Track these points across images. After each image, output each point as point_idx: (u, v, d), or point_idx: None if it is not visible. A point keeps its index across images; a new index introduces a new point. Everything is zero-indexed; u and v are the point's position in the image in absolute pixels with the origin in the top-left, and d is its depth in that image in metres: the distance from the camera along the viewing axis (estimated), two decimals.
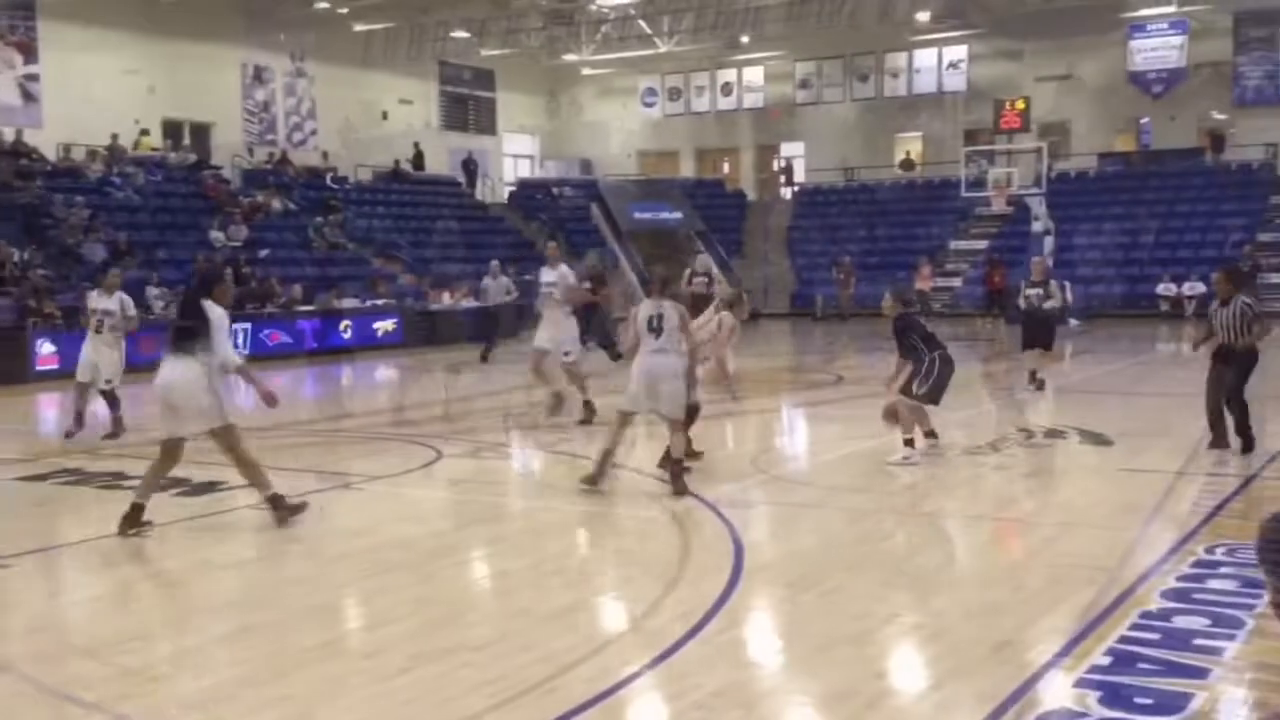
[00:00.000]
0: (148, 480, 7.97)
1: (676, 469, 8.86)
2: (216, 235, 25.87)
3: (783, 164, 40.96)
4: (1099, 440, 11.14)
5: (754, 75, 39.97)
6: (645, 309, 9.20)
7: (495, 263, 22.67)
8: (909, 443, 10.02)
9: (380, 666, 5.26)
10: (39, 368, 18.31)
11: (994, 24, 35.37)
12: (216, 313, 7.84)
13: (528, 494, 9.84)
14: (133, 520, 7.73)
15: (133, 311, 12.71)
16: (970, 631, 5.62)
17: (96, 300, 12.48)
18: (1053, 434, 11.65)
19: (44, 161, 26.05)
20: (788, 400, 16.31)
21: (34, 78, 27.53)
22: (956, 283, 32.81)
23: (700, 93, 40.72)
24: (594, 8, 33.95)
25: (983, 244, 33.73)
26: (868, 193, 38.05)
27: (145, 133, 29.33)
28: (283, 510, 7.98)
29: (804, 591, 6.40)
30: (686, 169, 42.16)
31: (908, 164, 38.54)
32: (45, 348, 18.53)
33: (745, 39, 37.45)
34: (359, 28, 33.22)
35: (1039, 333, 14.74)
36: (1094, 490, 9.19)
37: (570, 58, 39.30)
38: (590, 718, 4.68)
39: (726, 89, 40.36)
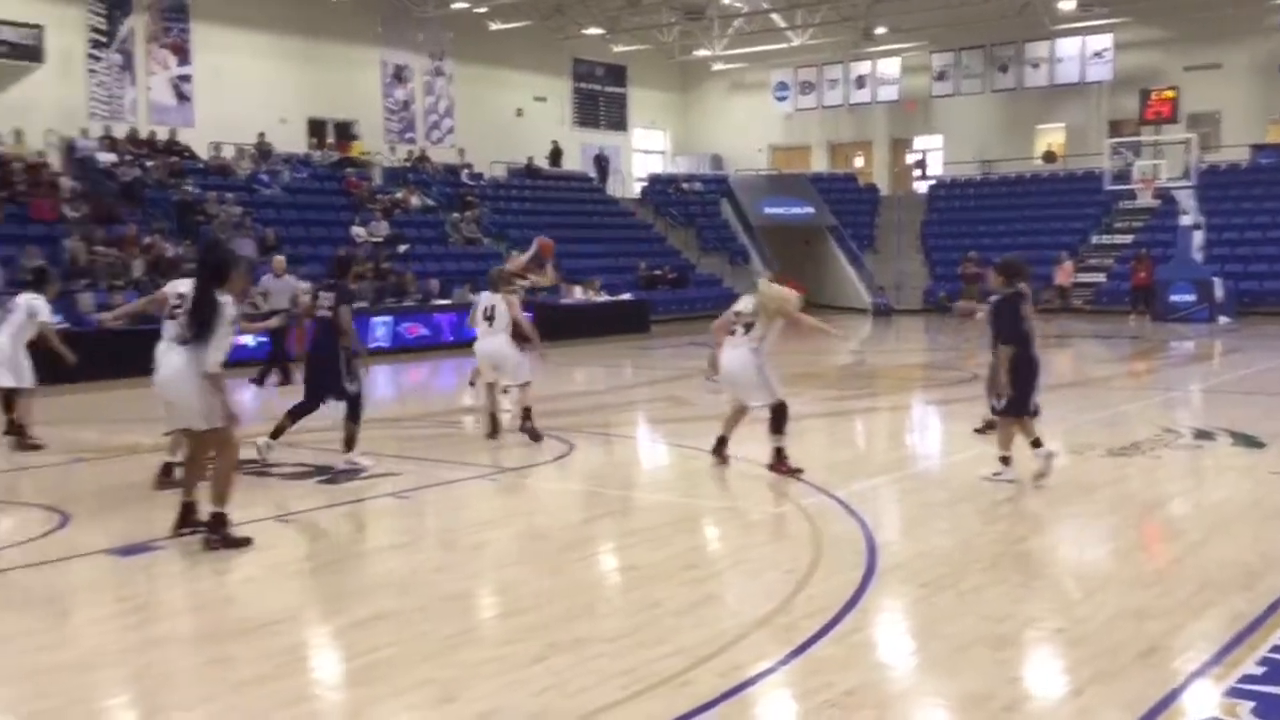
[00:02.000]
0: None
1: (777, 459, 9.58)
2: (358, 231, 26.61)
3: (917, 157, 40.27)
4: (1251, 443, 10.71)
5: (889, 67, 39.39)
6: (738, 304, 9.73)
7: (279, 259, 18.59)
8: (1005, 460, 9.03)
9: (516, 654, 5.36)
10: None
11: (1140, 12, 34.23)
12: (225, 305, 7.30)
13: (658, 488, 9.89)
14: (185, 520, 7.54)
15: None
16: (1114, 636, 5.47)
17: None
18: (1201, 435, 11.24)
19: (196, 160, 27.14)
20: (920, 397, 16.07)
21: (187, 78, 28.69)
22: (1100, 278, 31.86)
23: (833, 86, 40.30)
24: (726, 2, 33.87)
25: (1127, 239, 32.68)
26: (1007, 186, 37.18)
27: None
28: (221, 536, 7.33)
29: (940, 592, 6.30)
30: (818, 163, 41.79)
31: (1049, 156, 37.53)
32: None
33: (880, 30, 36.93)
34: (495, 26, 33.79)
35: None
36: (1245, 494, 8.84)
37: (702, 53, 39.31)
38: (723, 712, 4.69)
39: (860, 82, 39.86)
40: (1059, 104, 37.49)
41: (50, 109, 25.78)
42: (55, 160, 24.99)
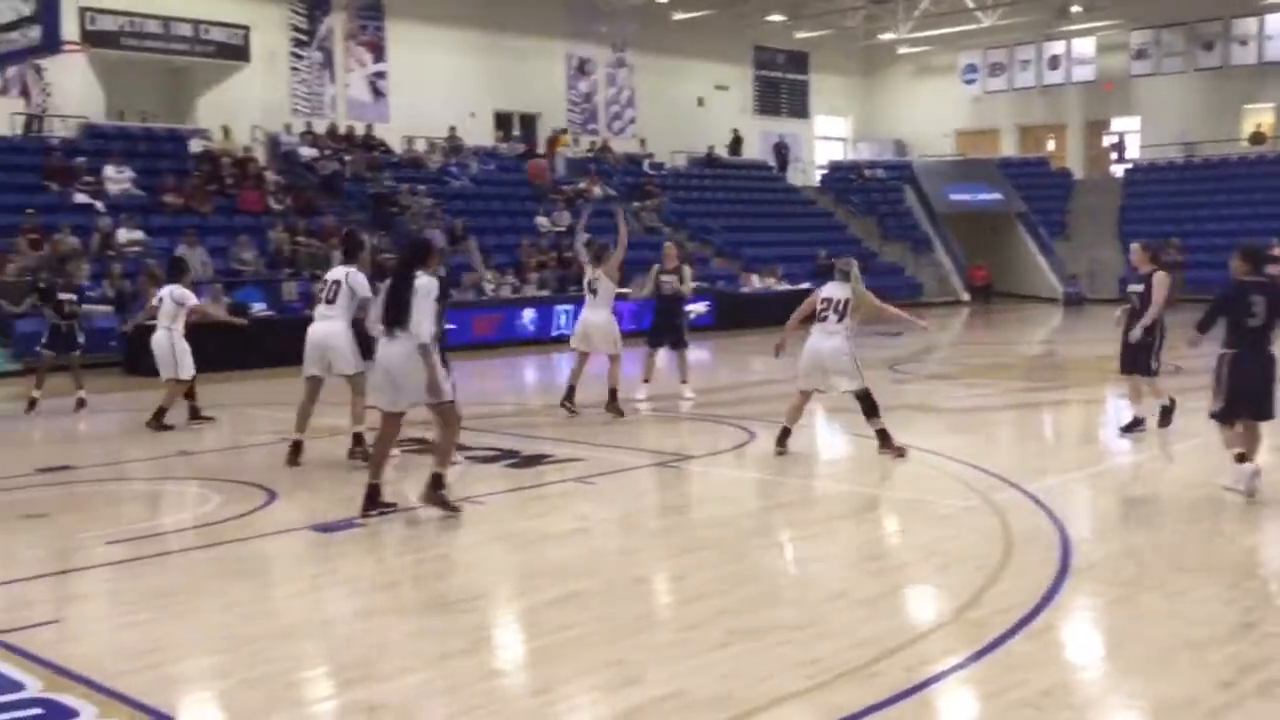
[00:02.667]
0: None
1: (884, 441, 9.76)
2: (541, 221, 27.15)
3: (1114, 140, 38.65)
4: None
5: (1084, 47, 37.91)
6: (825, 290, 9.85)
7: None
8: (1241, 458, 8.11)
9: (700, 639, 5.40)
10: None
11: None
12: (422, 281, 7.74)
13: (840, 478, 9.79)
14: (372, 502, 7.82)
15: None
16: None
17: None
18: None
19: (391, 153, 28.16)
20: (1114, 390, 15.43)
21: (382, 75, 29.78)
22: None
23: (1025, 67, 39.02)
24: None
25: None
26: (1210, 169, 35.32)
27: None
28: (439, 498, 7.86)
29: (1141, 592, 6.06)
30: (1007, 147, 40.54)
31: (1257, 137, 35.52)
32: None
33: (1075, 9, 35.58)
34: (678, 16, 33.91)
35: None
36: None
37: (887, 36, 38.61)
38: (910, 706, 4.63)
39: (1054, 62, 38.48)
40: (1268, 82, 35.41)
41: (256, 106, 27.13)
42: (261, 155, 26.30)
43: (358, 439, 9.86)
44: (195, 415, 12.42)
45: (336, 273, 10.02)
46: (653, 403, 13.31)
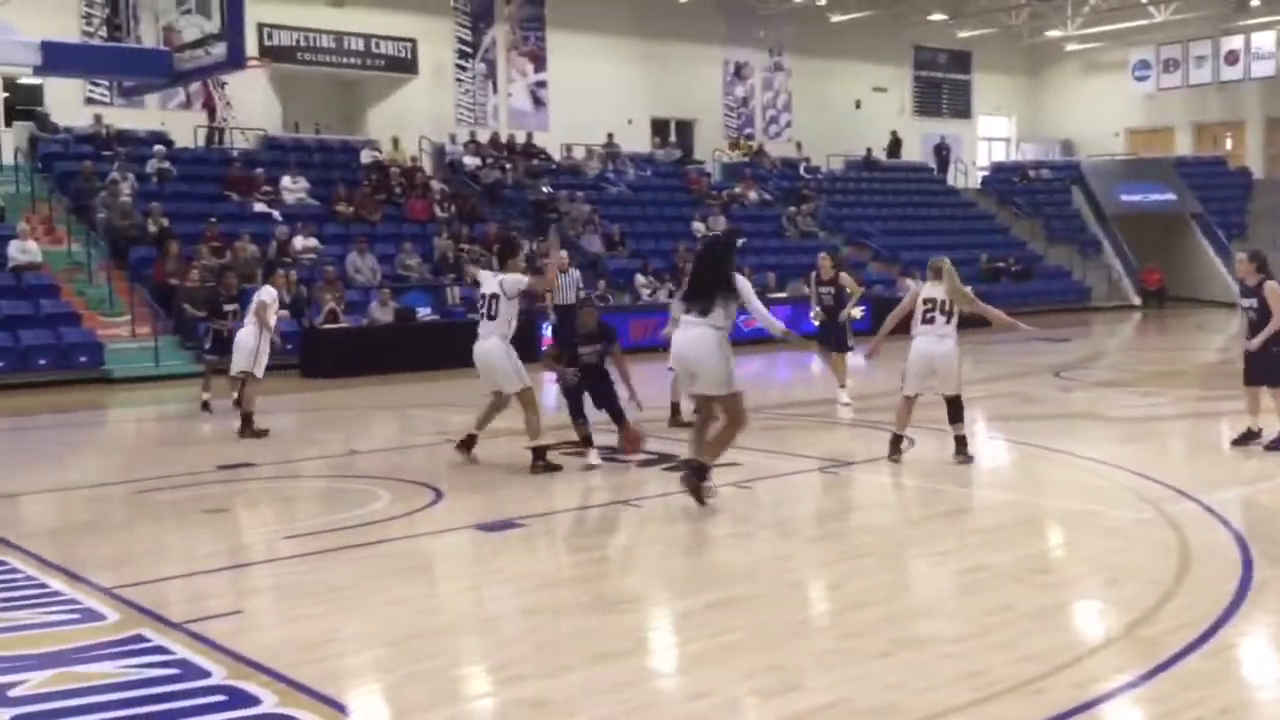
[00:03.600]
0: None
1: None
2: (697, 226, 27.22)
3: None
4: None
5: (1264, 40, 36.07)
6: (926, 290, 9.72)
7: None
8: None
9: (861, 647, 5.35)
10: (543, 348, 20.15)
11: None
12: (743, 282, 8.21)
13: (1004, 487, 9.55)
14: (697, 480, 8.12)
15: None
16: None
17: None
18: None
19: (550, 161, 28.66)
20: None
21: (543, 84, 30.33)
22: None
23: (1200, 63, 37.34)
24: None
25: None
26: None
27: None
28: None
29: None
30: (1181, 146, 38.87)
31: None
32: (547, 330, 20.34)
33: (1255, 2, 33.93)
34: (836, 18, 33.61)
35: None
36: None
37: (1054, 34, 37.48)
38: None
39: (1231, 57, 36.73)
40: None
41: (422, 117, 27.96)
42: (427, 164, 27.09)
43: (537, 454, 9.73)
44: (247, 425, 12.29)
45: (490, 284, 9.79)
46: (855, 404, 13.30)
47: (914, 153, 37.13)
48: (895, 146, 36.08)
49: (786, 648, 5.37)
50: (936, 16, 34.99)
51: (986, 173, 38.46)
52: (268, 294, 12.58)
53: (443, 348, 18.89)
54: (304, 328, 18.78)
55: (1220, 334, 25.49)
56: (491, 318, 9.63)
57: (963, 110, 39.93)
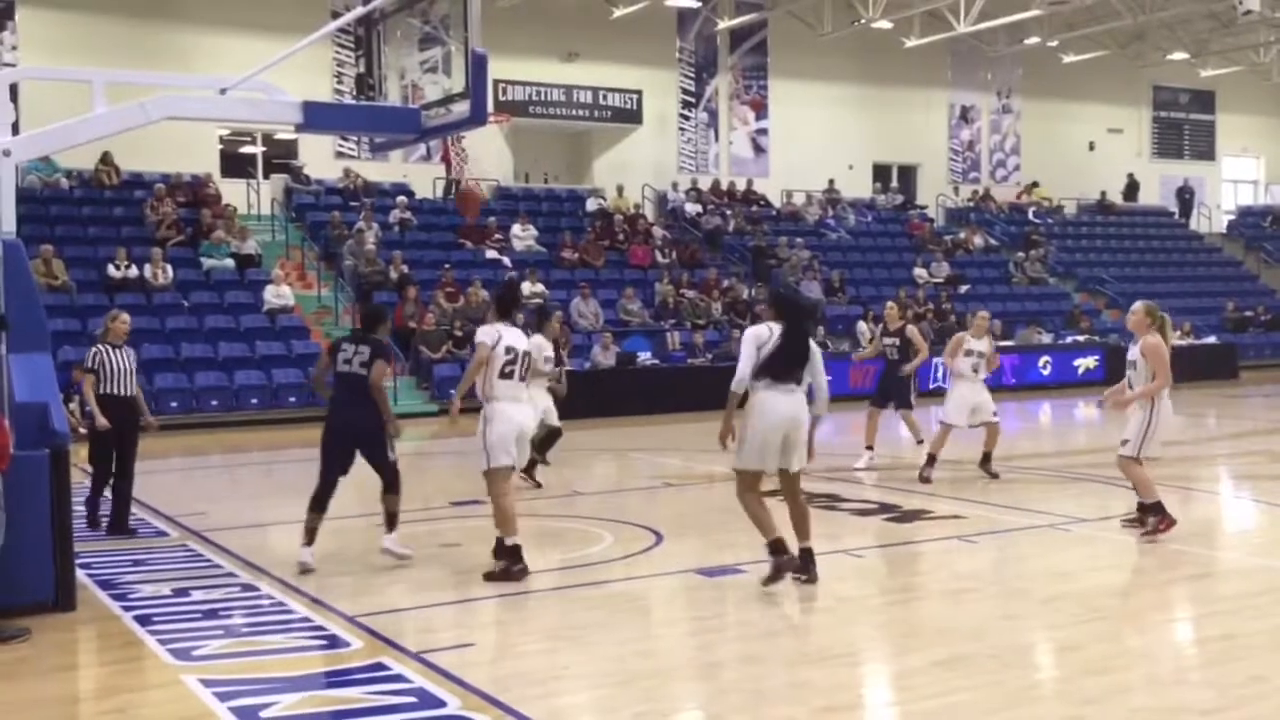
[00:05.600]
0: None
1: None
2: (919, 272, 26.77)
3: None
4: None
5: None
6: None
7: None
8: None
9: (1098, 715, 5.11)
10: None
11: None
12: (816, 350, 7.52)
13: (1254, 551, 8.96)
14: None
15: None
16: None
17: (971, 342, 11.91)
18: None
19: (770, 207, 28.77)
20: None
21: (763, 132, 30.52)
22: None
23: None
24: None
25: None
26: None
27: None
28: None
29: None
30: None
31: None
32: None
33: None
34: (1069, 59, 32.60)
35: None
36: None
37: None
38: None
39: None
40: None
41: (646, 165, 28.57)
42: (649, 211, 27.63)
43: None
44: None
45: (520, 340, 7.99)
46: (874, 471, 12.52)
47: (1152, 196, 35.49)
48: (1132, 189, 34.58)
49: (1015, 712, 5.19)
50: (1177, 56, 33.46)
51: (1232, 216, 36.36)
52: (534, 343, 10.97)
53: (663, 392, 19.19)
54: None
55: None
56: (524, 380, 8.01)
57: (1206, 152, 37.94)
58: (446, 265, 22.23)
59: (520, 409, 7.90)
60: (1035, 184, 33.44)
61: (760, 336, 7.34)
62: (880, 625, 6.83)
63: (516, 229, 24.42)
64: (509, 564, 7.71)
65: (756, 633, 6.65)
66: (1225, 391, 22.48)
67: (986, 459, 11.85)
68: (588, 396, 18.95)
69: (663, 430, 16.08)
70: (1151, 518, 8.77)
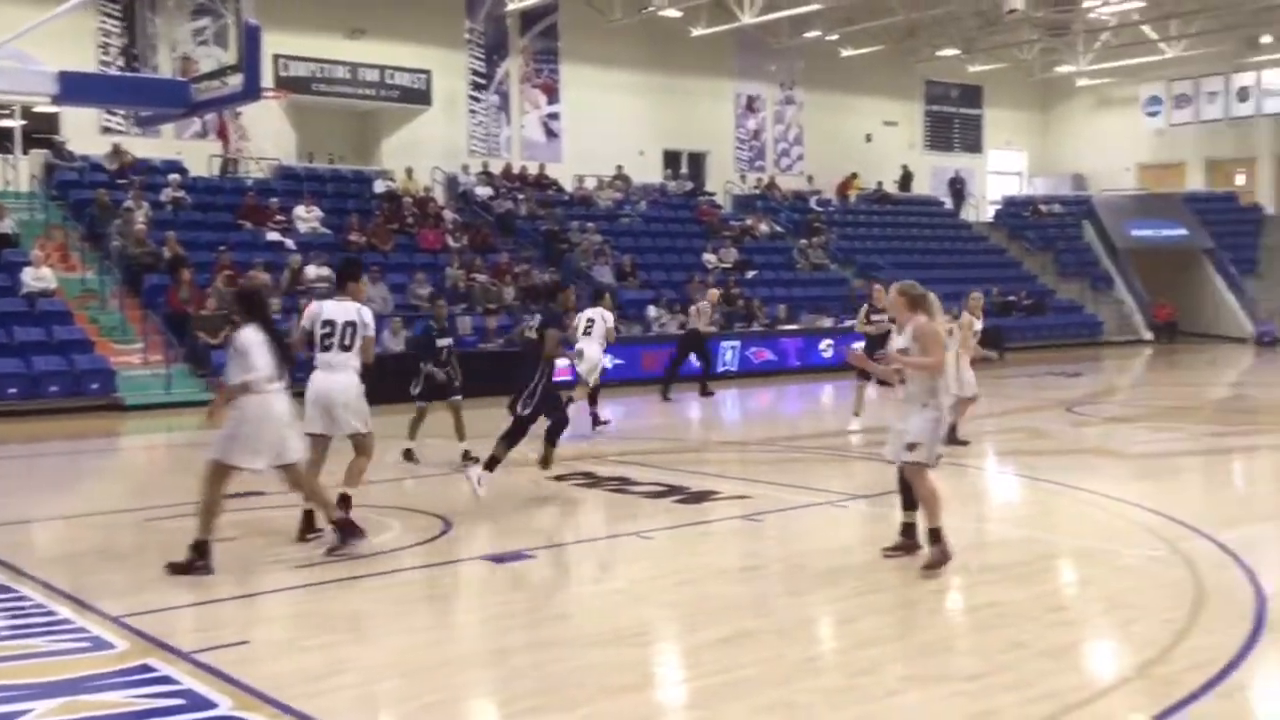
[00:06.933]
0: None
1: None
2: (708, 258, 27.27)
3: None
4: None
5: (1275, 77, 36.13)
6: None
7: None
8: None
9: (872, 685, 5.31)
10: (554, 378, 20.09)
11: None
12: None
13: (1017, 523, 9.50)
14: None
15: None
16: None
17: None
18: None
19: (562, 192, 28.78)
20: None
21: (555, 116, 30.48)
22: None
23: (1212, 99, 37.40)
24: (1093, 16, 32.25)
25: None
26: None
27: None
28: None
29: None
30: (1194, 182, 38.89)
31: None
32: (559, 361, 20.32)
33: (1266, 39, 34.05)
34: (847, 53, 33.76)
35: None
36: None
37: (1065, 69, 37.60)
38: None
39: (1243, 94, 36.79)
40: None
41: (435, 147, 28.10)
42: (440, 195, 27.21)
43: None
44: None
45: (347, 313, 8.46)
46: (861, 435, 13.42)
47: (924, 186, 37.21)
48: (906, 180, 36.18)
49: (795, 685, 5.33)
50: (948, 52, 35.12)
51: (999, 206, 38.51)
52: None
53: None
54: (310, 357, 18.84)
55: (1233, 369, 25.44)
56: (346, 348, 8.45)
57: (974, 144, 40.03)
58: (223, 247, 21.33)
59: (329, 378, 8.40)
60: (855, 175, 34.80)
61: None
62: (668, 605, 6.91)
63: (300, 210, 23.64)
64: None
65: (546, 617, 6.63)
66: (990, 372, 23.74)
67: (952, 430, 12.37)
68: (375, 382, 18.50)
69: (447, 415, 15.85)
70: (934, 547, 7.38)
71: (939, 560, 7.27)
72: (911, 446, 7.37)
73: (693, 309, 20.23)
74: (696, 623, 6.47)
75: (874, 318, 14.04)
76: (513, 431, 9.95)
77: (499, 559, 7.83)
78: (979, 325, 13.07)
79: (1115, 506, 9.33)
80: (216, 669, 5.52)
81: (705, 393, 19.11)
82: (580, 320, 14.43)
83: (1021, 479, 11.55)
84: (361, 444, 8.60)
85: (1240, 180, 38.80)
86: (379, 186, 25.96)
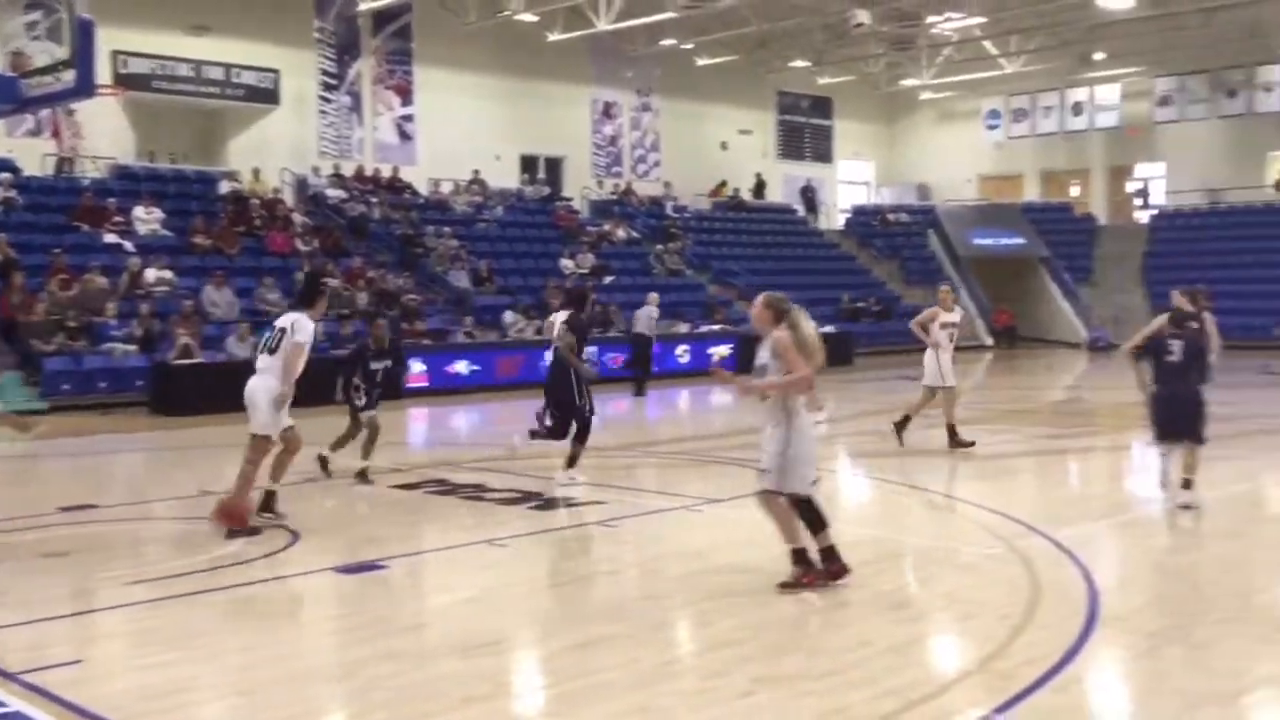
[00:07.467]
0: None
1: None
2: (566, 263, 27.26)
3: (1138, 186, 38.62)
4: None
5: (1108, 93, 37.93)
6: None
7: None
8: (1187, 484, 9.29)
9: (725, 687, 5.36)
10: (409, 385, 19.86)
11: None
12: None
13: (865, 523, 9.73)
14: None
15: None
16: None
17: None
18: None
19: (417, 195, 28.40)
20: (1141, 437, 15.30)
21: (409, 118, 30.07)
22: None
23: (1048, 113, 39.05)
24: (936, 31, 33.33)
25: None
26: (1236, 216, 35.22)
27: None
28: None
29: (1168, 644, 5.99)
30: (1031, 193, 40.55)
31: None
32: (415, 367, 20.07)
33: (1099, 56, 35.68)
34: (702, 62, 34.17)
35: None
36: None
37: (909, 82, 38.76)
38: None
39: (1077, 108, 38.50)
40: None
41: (284, 148, 27.43)
42: (289, 197, 26.54)
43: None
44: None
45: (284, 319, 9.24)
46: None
47: (777, 194, 37.93)
48: (760, 188, 36.81)
49: (651, 689, 5.36)
50: (798, 63, 35.85)
51: (848, 215, 39.48)
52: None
53: (305, 382, 18.42)
54: (154, 363, 18.22)
55: (1068, 373, 26.56)
56: (272, 353, 9.10)
57: (824, 154, 40.97)
58: (57, 250, 20.41)
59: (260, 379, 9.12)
60: (724, 183, 35.48)
61: None
62: (523, 613, 6.87)
63: (139, 211, 22.76)
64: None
65: (398, 628, 6.52)
66: (841, 377, 24.33)
67: (953, 432, 12.95)
68: (222, 390, 17.92)
69: (307, 424, 15.47)
70: (795, 568, 7.14)
71: (796, 580, 7.04)
72: (762, 472, 7.06)
73: (637, 313, 21.83)
74: (552, 629, 6.45)
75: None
76: (580, 431, 10.92)
77: (348, 570, 7.67)
78: (953, 318, 13.66)
79: (956, 506, 9.65)
80: (47, 690, 5.27)
81: (639, 393, 20.51)
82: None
83: (870, 480, 11.85)
84: (287, 440, 9.15)
85: (1075, 191, 40.60)
86: (224, 187, 25.18)
